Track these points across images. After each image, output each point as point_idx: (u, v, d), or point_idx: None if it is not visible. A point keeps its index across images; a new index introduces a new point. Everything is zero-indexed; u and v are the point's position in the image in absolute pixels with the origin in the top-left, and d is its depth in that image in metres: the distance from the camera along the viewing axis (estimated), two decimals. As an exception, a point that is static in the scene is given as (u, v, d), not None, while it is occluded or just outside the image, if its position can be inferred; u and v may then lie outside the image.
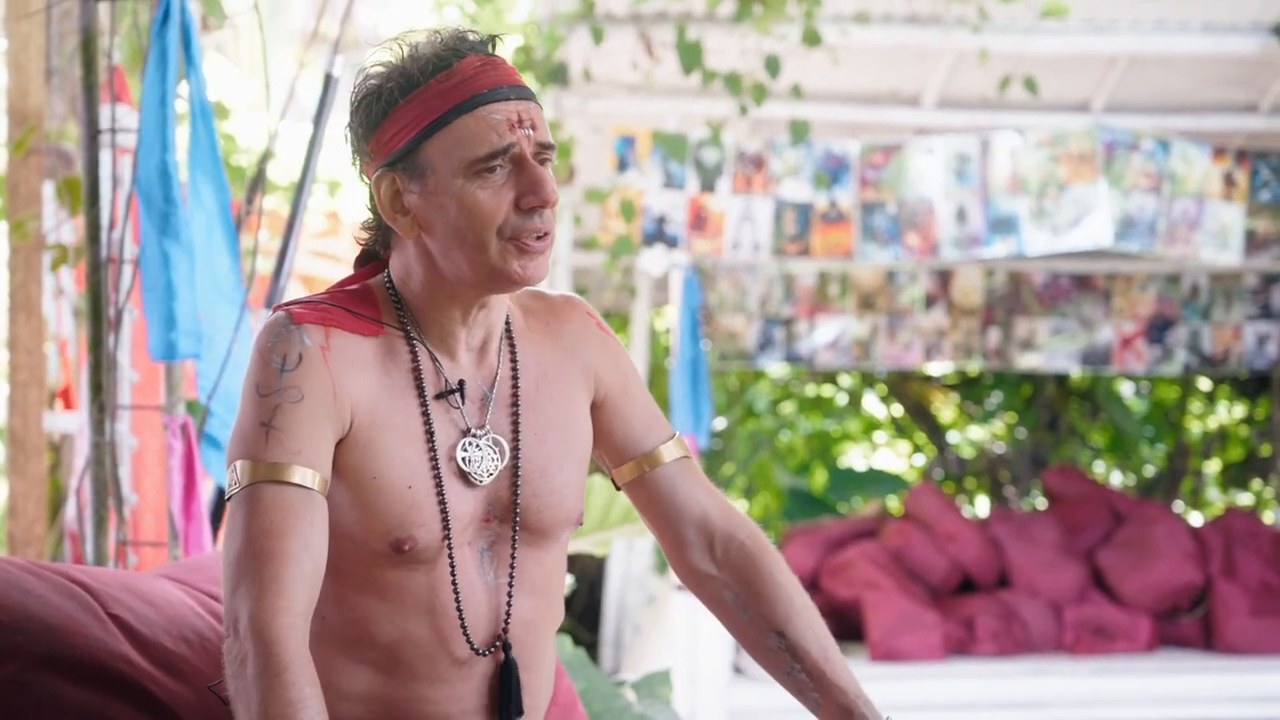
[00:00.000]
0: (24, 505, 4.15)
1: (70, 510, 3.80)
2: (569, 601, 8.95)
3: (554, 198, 1.88)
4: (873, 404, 11.90)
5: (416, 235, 1.92)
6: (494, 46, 1.91)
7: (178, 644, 2.19)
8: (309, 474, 1.84)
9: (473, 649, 1.95)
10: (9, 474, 4.24)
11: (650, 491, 2.12)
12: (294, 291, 4.26)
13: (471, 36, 1.90)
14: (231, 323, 3.21)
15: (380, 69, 1.90)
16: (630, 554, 7.97)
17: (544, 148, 1.90)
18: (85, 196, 3.21)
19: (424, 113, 1.87)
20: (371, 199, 1.95)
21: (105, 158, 3.29)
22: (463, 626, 1.94)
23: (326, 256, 6.00)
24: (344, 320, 1.93)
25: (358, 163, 1.96)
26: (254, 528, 1.81)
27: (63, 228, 4.45)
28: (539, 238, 1.89)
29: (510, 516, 1.98)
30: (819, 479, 11.18)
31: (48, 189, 4.39)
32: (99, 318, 3.19)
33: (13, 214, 4.23)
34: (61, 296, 4.98)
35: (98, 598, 2.16)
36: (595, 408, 2.10)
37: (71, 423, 4.42)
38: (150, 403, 3.59)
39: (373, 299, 1.97)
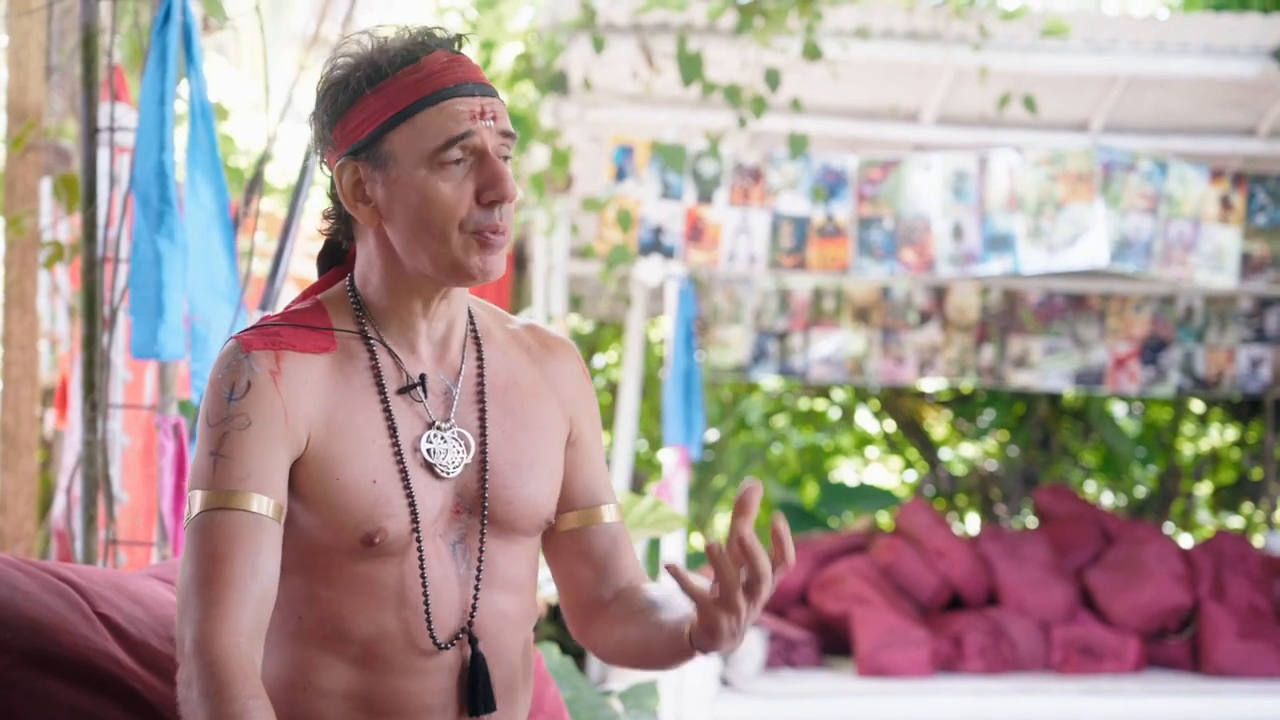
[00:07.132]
0: (14, 502, 4.15)
1: (59, 508, 3.79)
2: (557, 611, 8.95)
3: (513, 193, 1.92)
4: (865, 419, 11.90)
5: (377, 224, 1.94)
6: (460, 45, 1.95)
7: (165, 644, 2.19)
8: (258, 499, 1.86)
9: (435, 642, 1.96)
10: (0, 470, 4.23)
11: (590, 543, 2.12)
12: (289, 293, 4.26)
13: (439, 34, 1.94)
14: (227, 323, 3.21)
15: (348, 59, 1.93)
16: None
17: (505, 136, 1.94)
18: (82, 194, 3.21)
19: (390, 103, 1.90)
20: (333, 187, 1.98)
21: (103, 156, 3.30)
22: (428, 618, 1.95)
23: (322, 259, 5.99)
24: (295, 340, 1.94)
25: (319, 150, 1.98)
26: (201, 554, 1.83)
27: (59, 225, 4.45)
28: (498, 233, 1.92)
29: (479, 509, 1.99)
30: (810, 493, 11.18)
31: (45, 186, 4.38)
32: (93, 316, 3.19)
33: (9, 210, 4.23)
34: (56, 294, 4.98)
35: (86, 596, 2.16)
36: (567, 445, 2.11)
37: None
38: (138, 402, 3.58)
39: (324, 311, 1.99)
